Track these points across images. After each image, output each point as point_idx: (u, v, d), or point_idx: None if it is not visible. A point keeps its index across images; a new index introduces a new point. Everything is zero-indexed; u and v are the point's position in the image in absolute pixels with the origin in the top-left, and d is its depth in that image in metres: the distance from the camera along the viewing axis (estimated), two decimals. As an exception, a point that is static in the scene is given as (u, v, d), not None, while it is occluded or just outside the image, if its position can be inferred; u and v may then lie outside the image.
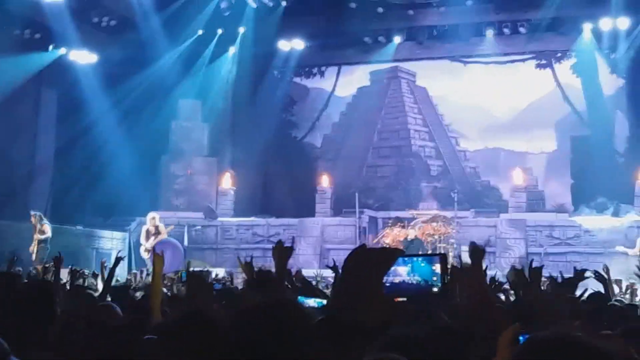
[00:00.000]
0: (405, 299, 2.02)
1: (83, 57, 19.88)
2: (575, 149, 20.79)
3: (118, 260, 6.74)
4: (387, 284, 1.74)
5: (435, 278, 2.05)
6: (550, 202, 20.86)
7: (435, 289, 2.05)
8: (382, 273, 1.72)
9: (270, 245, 19.19)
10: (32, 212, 16.50)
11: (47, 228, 16.37)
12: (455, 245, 17.83)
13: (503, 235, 18.29)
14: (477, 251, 3.35)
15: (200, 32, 21.27)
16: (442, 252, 17.10)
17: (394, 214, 19.78)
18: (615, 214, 17.82)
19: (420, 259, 2.03)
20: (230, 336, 2.31)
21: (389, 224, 18.90)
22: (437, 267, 2.06)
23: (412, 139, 23.23)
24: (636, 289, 9.28)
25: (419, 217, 18.48)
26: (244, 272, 5.74)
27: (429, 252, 16.91)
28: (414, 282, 2.04)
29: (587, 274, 5.79)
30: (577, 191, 20.12)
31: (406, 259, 1.98)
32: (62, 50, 19.55)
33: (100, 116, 19.99)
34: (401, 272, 2.02)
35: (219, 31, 21.53)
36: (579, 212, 18.80)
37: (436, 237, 18.06)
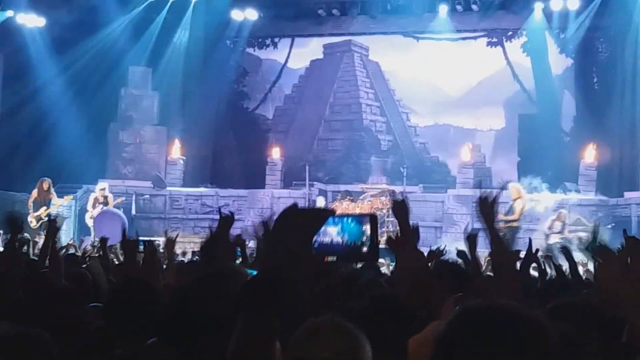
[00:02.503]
0: (334, 258, 2.05)
1: (31, 21, 19.44)
2: (522, 127, 21.08)
3: (53, 223, 5.90)
4: (316, 244, 1.77)
5: (364, 238, 2.08)
6: (497, 179, 21.17)
7: (364, 249, 2.08)
8: (312, 232, 1.74)
9: (218, 217, 19.17)
10: (45, 179, 16.49)
11: (55, 197, 16.62)
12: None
13: (450, 210, 18.56)
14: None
15: (152, -2, 20.94)
16: (390, 227, 17.30)
17: (343, 187, 19.88)
18: (560, 191, 18.15)
19: (349, 219, 2.05)
20: (169, 306, 2.33)
21: (339, 197, 18.99)
22: (367, 228, 2.09)
23: (363, 113, 23.31)
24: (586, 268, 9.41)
25: (368, 191, 18.58)
26: (167, 249, 5.65)
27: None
28: (344, 241, 2.07)
29: (540, 253, 5.81)
30: (524, 169, 20.45)
31: (336, 219, 2.01)
32: (9, 13, 19.07)
33: (48, 81, 19.63)
34: (330, 232, 2.04)
35: (171, -2, 21.23)
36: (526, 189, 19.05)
37: (384, 211, 18.20)
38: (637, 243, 2.64)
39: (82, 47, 19.78)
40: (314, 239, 1.77)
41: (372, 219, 2.07)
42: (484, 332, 1.67)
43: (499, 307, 1.73)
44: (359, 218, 2.11)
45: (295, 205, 1.75)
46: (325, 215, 1.79)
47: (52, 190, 16.59)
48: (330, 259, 2.06)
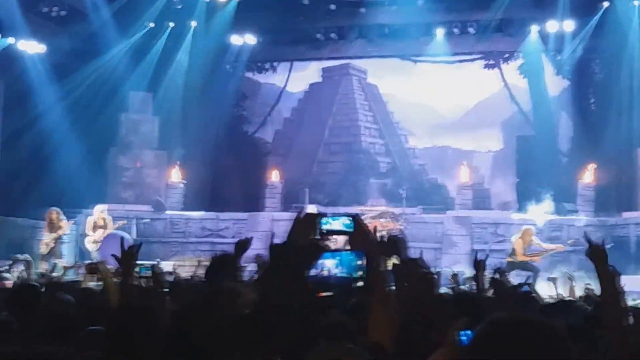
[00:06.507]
0: (331, 293, 2.10)
1: (31, 47, 19.55)
2: (520, 148, 21.21)
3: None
4: (313, 277, 1.81)
5: (361, 272, 2.13)
6: (496, 200, 21.25)
7: (360, 283, 2.13)
8: (308, 266, 1.80)
9: (219, 240, 19.27)
10: (53, 209, 16.61)
11: (65, 224, 16.56)
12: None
13: (449, 232, 18.60)
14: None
15: (151, 24, 21.08)
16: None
17: (342, 209, 19.86)
18: (558, 212, 18.21)
19: (348, 252, 2.11)
20: (169, 330, 2.39)
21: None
22: (364, 261, 2.15)
23: (362, 135, 23.42)
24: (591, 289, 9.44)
25: (368, 213, 18.63)
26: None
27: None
28: (341, 275, 2.12)
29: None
30: (522, 190, 20.52)
31: (335, 252, 2.06)
32: (10, 40, 19.20)
33: (48, 107, 19.70)
34: (328, 265, 2.10)
35: (171, 24, 21.38)
36: (524, 210, 19.11)
37: (384, 233, 18.22)
38: (596, 249, 2.86)
39: (82, 74, 19.91)
40: (310, 273, 1.82)
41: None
42: (513, 340, 1.79)
43: (523, 317, 1.86)
44: (357, 252, 2.18)
45: (290, 242, 1.81)
46: (321, 249, 1.85)
47: (62, 217, 16.79)
48: (326, 294, 2.12)
